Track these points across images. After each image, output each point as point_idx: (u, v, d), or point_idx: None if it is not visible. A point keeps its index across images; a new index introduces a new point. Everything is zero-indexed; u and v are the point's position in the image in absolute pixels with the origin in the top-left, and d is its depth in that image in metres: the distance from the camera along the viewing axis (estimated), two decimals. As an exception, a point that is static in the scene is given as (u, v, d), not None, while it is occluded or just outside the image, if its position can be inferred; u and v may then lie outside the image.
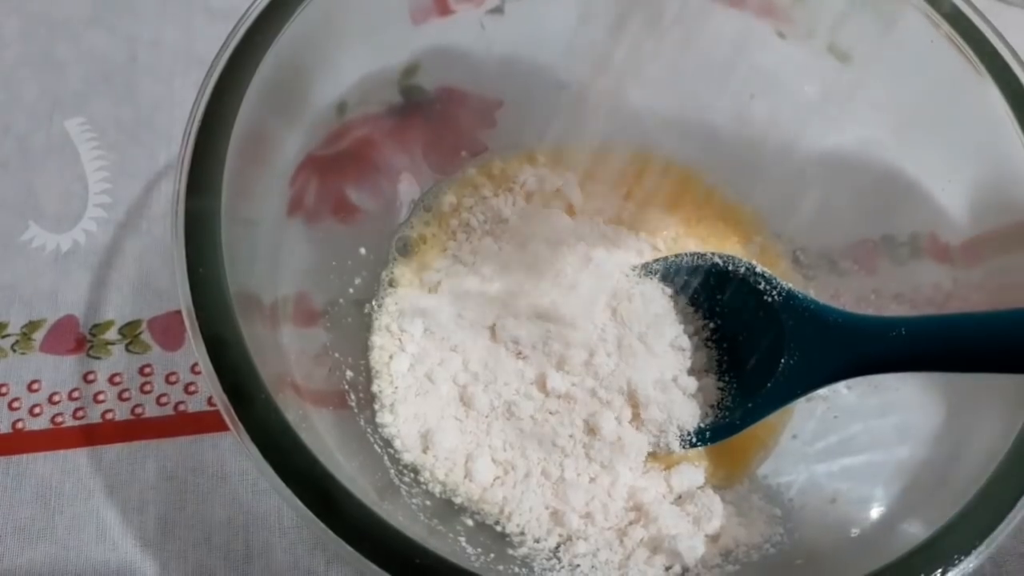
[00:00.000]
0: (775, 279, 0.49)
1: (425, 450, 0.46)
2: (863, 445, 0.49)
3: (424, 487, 0.46)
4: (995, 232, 0.46)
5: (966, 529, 0.36)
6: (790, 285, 0.49)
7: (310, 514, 0.34)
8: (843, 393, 0.52)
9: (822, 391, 0.50)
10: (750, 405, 0.49)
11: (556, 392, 0.50)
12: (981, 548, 0.36)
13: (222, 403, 0.36)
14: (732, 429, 0.49)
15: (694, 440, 0.50)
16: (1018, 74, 0.45)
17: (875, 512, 0.43)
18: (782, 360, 0.48)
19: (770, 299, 0.49)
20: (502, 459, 0.49)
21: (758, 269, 0.50)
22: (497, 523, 0.48)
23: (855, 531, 0.43)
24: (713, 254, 0.52)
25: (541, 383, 0.50)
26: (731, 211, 0.59)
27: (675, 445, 0.49)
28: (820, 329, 0.47)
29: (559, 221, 0.56)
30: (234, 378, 0.36)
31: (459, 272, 0.54)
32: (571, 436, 0.49)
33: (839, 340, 0.46)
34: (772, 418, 0.50)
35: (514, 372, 0.51)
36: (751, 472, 0.51)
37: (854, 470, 0.48)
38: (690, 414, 0.49)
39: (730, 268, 0.51)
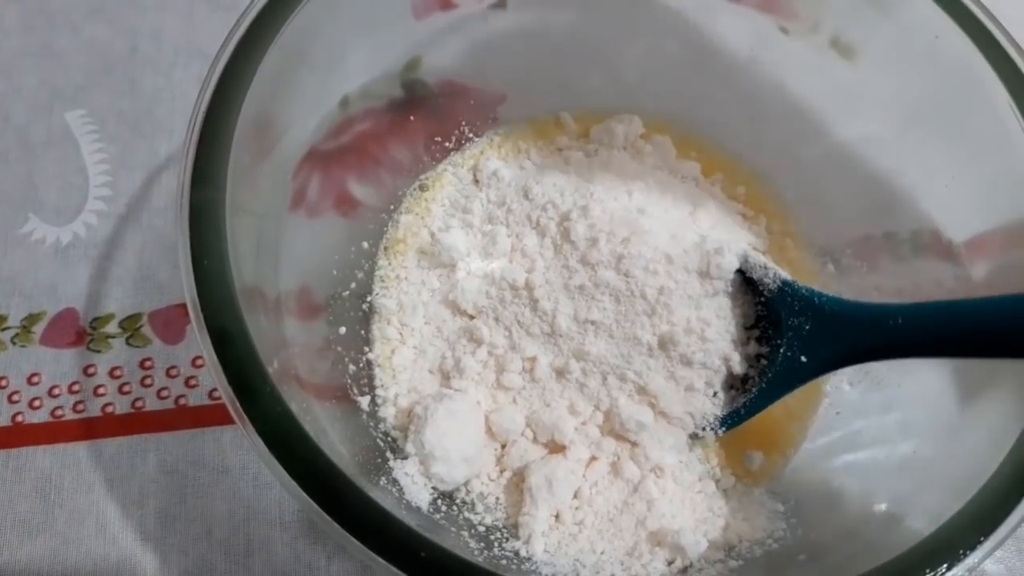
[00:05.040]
0: (771, 268, 0.49)
1: (428, 444, 0.46)
2: (866, 441, 0.50)
3: (428, 481, 0.46)
4: (999, 230, 0.46)
5: (970, 525, 0.36)
6: (785, 274, 0.48)
7: (316, 507, 0.34)
8: (845, 389, 0.52)
9: (827, 387, 0.50)
10: (753, 394, 0.49)
11: (574, 384, 0.50)
12: (986, 544, 0.36)
13: (227, 396, 0.36)
14: (737, 419, 0.49)
15: (706, 429, 0.50)
16: (1023, 70, 0.45)
17: (878, 508, 0.43)
18: (781, 349, 0.48)
19: (764, 288, 0.49)
20: (507, 451, 0.50)
21: (751, 258, 0.49)
22: (501, 517, 0.48)
23: (858, 527, 0.43)
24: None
25: (548, 369, 0.51)
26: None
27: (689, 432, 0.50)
28: (816, 319, 0.47)
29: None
30: (239, 371, 0.36)
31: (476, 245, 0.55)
32: (584, 425, 0.50)
33: (836, 329, 0.46)
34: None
35: (516, 358, 0.51)
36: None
37: (857, 466, 0.48)
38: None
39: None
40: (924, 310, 0.44)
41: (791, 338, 0.48)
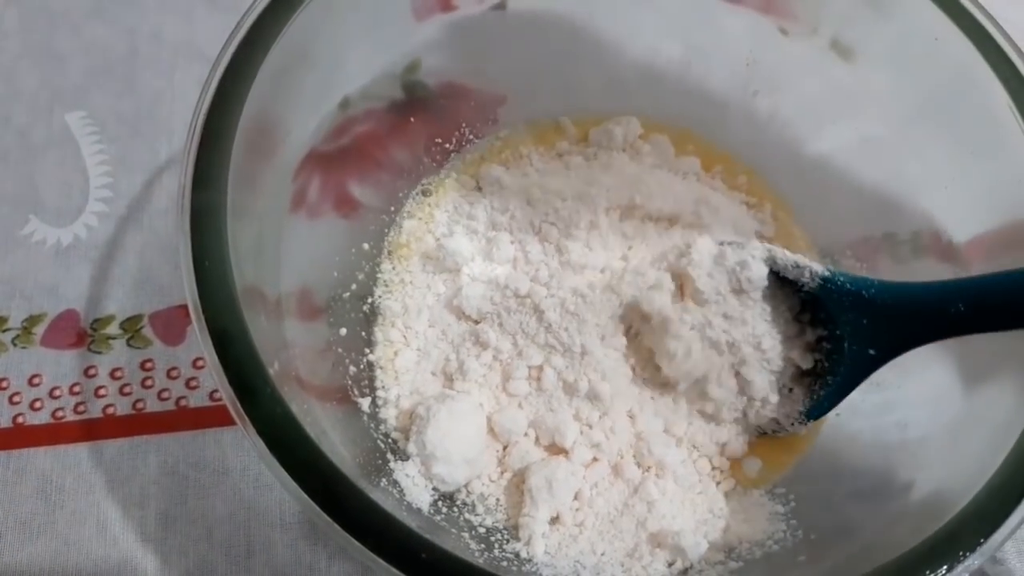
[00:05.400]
0: (805, 265, 0.48)
1: (430, 445, 0.46)
2: (865, 442, 0.50)
3: (428, 482, 0.46)
4: (999, 231, 0.46)
5: (970, 526, 0.36)
6: (821, 268, 0.48)
7: (317, 508, 0.34)
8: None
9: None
10: (831, 386, 0.49)
11: (583, 397, 0.50)
12: (985, 546, 0.36)
13: (228, 397, 0.36)
14: (820, 410, 0.50)
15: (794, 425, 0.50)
16: (1022, 72, 0.45)
17: (878, 509, 0.43)
18: (844, 343, 0.47)
19: (804, 285, 0.48)
20: (508, 452, 0.50)
21: (779, 258, 0.48)
22: (501, 519, 0.48)
23: (858, 528, 0.43)
24: (731, 244, 0.51)
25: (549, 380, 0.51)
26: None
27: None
28: (871, 312, 0.46)
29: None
30: (240, 372, 0.36)
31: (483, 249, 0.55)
32: (589, 429, 0.50)
33: (897, 321, 0.45)
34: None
35: (519, 363, 0.51)
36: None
37: (856, 467, 0.48)
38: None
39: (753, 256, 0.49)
40: (980, 283, 0.43)
41: (851, 333, 0.47)
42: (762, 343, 0.49)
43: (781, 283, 0.49)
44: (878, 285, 0.46)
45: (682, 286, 0.50)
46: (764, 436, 0.52)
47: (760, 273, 0.48)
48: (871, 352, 0.47)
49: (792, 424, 0.50)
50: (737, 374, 0.50)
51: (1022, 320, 0.41)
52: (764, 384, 0.49)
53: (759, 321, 0.49)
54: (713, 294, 0.48)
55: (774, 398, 0.50)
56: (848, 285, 0.47)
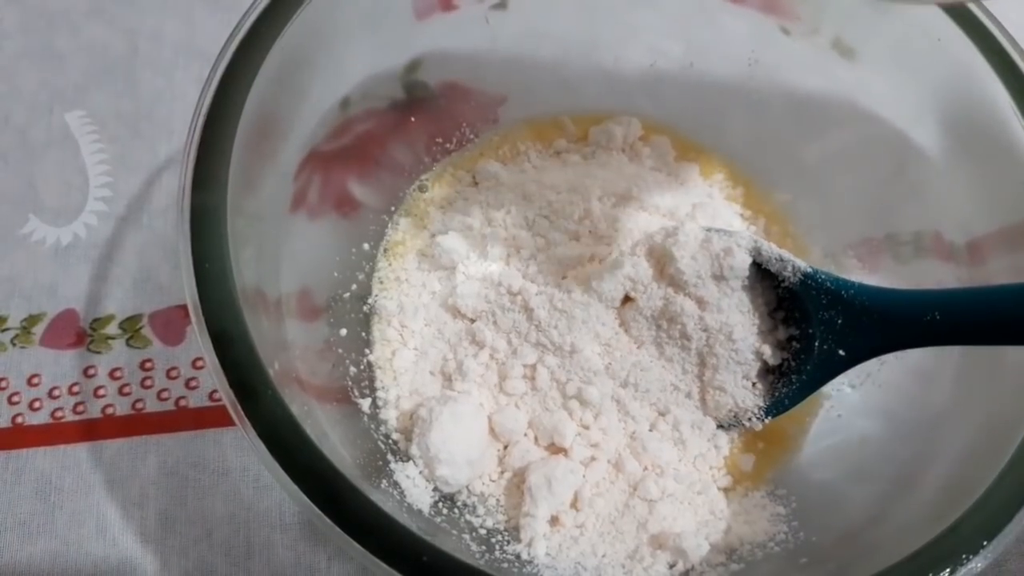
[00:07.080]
0: (789, 260, 0.48)
1: (433, 447, 0.46)
2: (867, 444, 0.49)
3: (429, 484, 0.46)
4: (1000, 231, 0.46)
5: (973, 528, 0.36)
6: (805, 265, 0.48)
7: (317, 510, 0.34)
8: (847, 392, 0.52)
9: (829, 390, 0.50)
10: (795, 384, 0.49)
11: (581, 398, 0.50)
12: (989, 548, 0.36)
13: (228, 398, 0.36)
14: (781, 408, 0.49)
15: (752, 420, 0.50)
16: (1024, 72, 0.45)
17: (881, 511, 0.43)
18: (815, 342, 0.47)
19: (785, 280, 0.48)
20: (508, 452, 0.50)
21: (764, 250, 0.48)
22: (502, 520, 0.48)
23: (860, 530, 0.43)
24: (719, 231, 0.50)
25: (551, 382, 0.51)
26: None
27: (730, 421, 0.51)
28: (847, 313, 0.46)
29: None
30: (240, 373, 0.36)
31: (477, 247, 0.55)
32: (586, 429, 0.50)
33: (870, 324, 0.45)
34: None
35: (517, 363, 0.51)
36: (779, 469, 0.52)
37: (859, 469, 0.48)
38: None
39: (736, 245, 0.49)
40: (959, 296, 0.43)
41: (824, 332, 0.47)
42: (733, 333, 0.48)
43: (762, 276, 0.49)
44: (858, 287, 0.46)
45: (662, 267, 0.50)
46: (720, 429, 0.51)
47: (743, 262, 0.48)
48: (841, 353, 0.47)
49: (750, 419, 0.50)
50: (703, 361, 0.50)
51: (996, 336, 0.41)
52: (728, 374, 0.49)
53: (734, 311, 0.49)
54: (693, 277, 0.48)
55: (736, 389, 0.50)
56: (828, 283, 0.47)
